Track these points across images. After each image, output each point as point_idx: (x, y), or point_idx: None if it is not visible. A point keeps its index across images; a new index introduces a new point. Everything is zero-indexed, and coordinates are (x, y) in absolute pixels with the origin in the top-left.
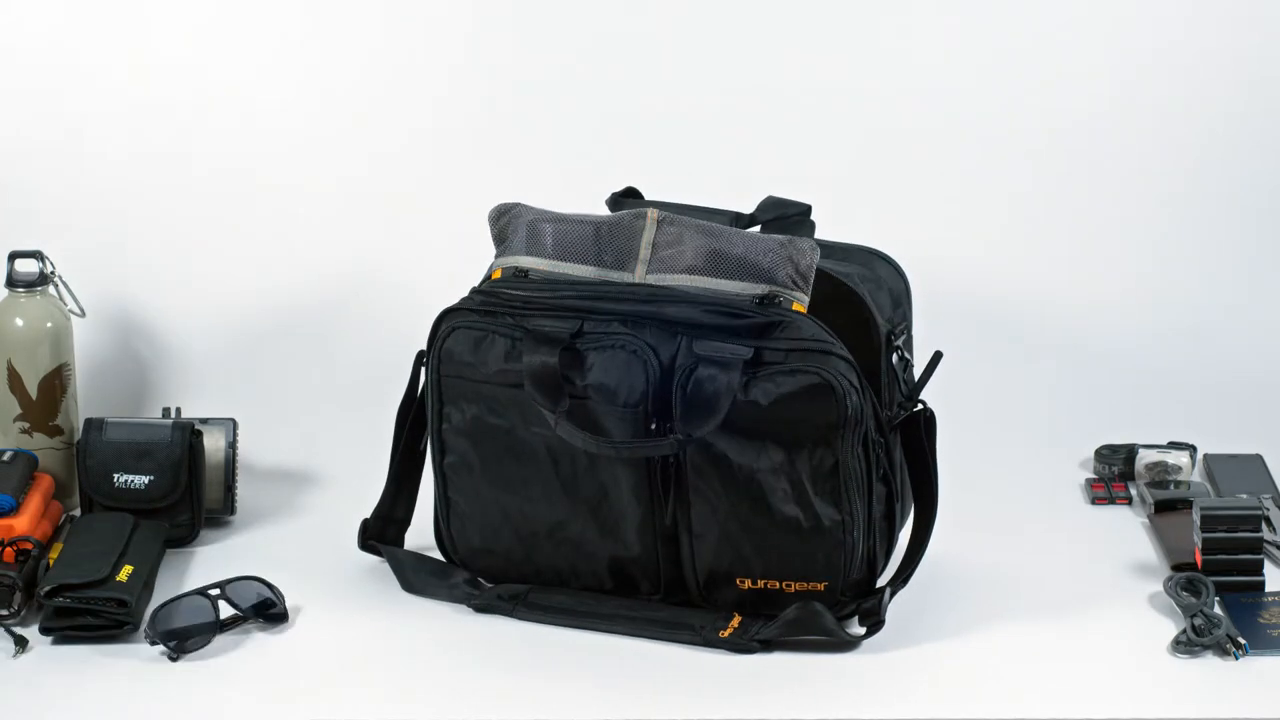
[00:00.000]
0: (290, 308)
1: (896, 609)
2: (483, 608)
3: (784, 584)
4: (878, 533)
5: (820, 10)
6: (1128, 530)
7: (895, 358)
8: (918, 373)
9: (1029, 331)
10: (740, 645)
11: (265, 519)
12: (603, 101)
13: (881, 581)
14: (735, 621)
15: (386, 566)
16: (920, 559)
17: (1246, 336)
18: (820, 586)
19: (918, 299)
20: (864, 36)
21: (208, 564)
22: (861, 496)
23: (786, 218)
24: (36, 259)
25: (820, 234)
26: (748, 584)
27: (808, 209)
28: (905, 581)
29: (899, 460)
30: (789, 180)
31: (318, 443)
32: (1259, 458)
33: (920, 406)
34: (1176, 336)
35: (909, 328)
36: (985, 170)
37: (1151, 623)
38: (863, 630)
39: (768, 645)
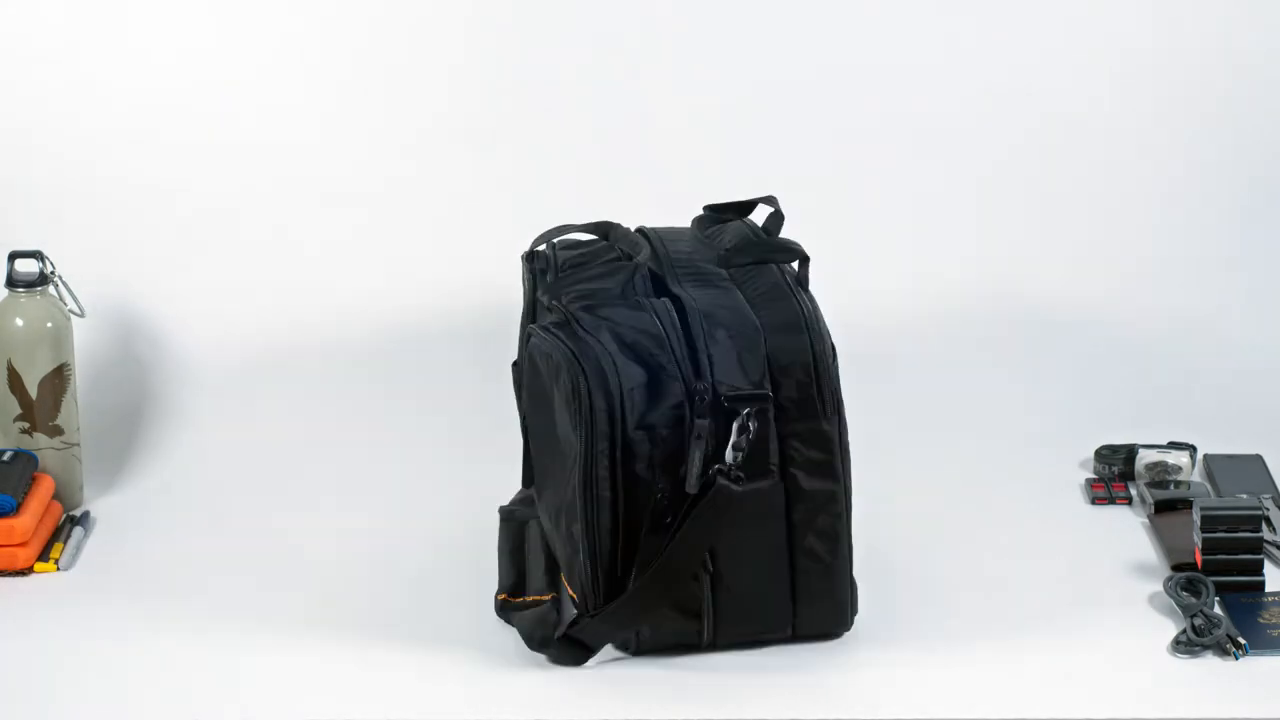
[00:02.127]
0: (291, 306)
1: (897, 609)
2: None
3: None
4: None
5: (824, 9)
6: (1128, 530)
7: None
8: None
9: (1029, 331)
10: None
11: (270, 518)
12: (605, 112)
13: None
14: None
15: (391, 571)
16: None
17: (1247, 336)
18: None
19: (920, 299)
20: (865, 34)
21: (216, 558)
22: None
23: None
24: (36, 259)
25: (824, 232)
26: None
27: (794, 254)
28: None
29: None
30: (790, 178)
31: (319, 441)
32: (1259, 458)
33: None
34: (1177, 336)
35: (813, 403)
36: (986, 169)
37: (1151, 623)
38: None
39: None
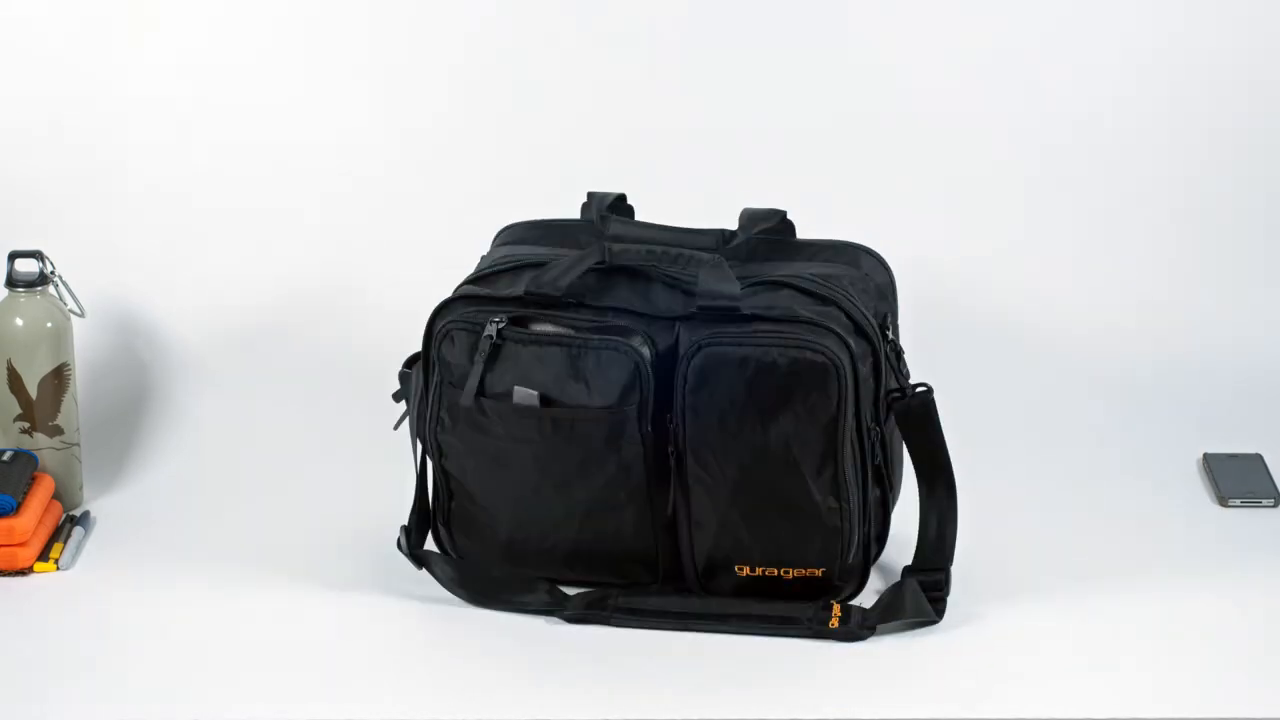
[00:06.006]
0: (291, 306)
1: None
2: (575, 618)
3: (782, 570)
4: (872, 518)
5: (816, 7)
6: (1127, 528)
7: (889, 348)
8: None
9: (1027, 331)
10: (850, 634)
11: (270, 518)
12: (586, 107)
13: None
14: (837, 611)
15: (395, 569)
16: (955, 536)
17: (1247, 336)
18: (818, 573)
19: (919, 299)
20: (866, 32)
21: (216, 557)
22: (858, 482)
23: (771, 230)
24: (36, 259)
25: (823, 233)
26: (746, 570)
27: (782, 214)
28: (951, 559)
29: (892, 446)
30: (795, 176)
31: (319, 440)
32: (1259, 457)
33: (921, 388)
34: (1177, 336)
35: (895, 319)
36: (985, 169)
37: (1151, 622)
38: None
39: (873, 630)
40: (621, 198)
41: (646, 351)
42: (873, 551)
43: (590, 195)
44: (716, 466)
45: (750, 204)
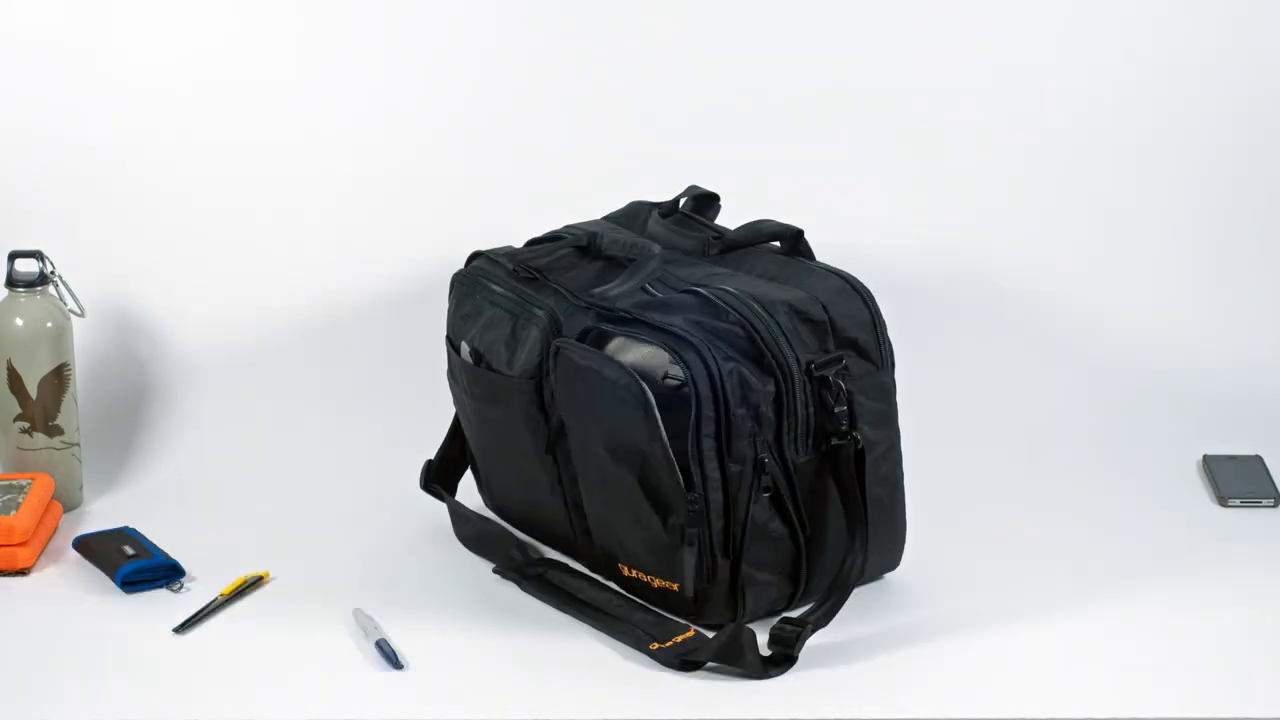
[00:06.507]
0: (290, 306)
1: (897, 611)
2: (500, 573)
3: (649, 577)
4: (739, 550)
5: (822, 8)
6: (1127, 516)
7: (818, 385)
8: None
9: (1028, 331)
10: (665, 658)
11: (271, 521)
12: (596, 110)
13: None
14: (680, 637)
15: (397, 566)
16: (845, 595)
17: (1247, 337)
18: (674, 587)
19: (922, 300)
20: (870, 33)
21: (216, 557)
22: (691, 506)
23: (780, 246)
24: (36, 259)
25: (824, 230)
26: (626, 570)
27: (795, 232)
28: (829, 616)
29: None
30: (799, 176)
31: (319, 440)
32: (1259, 458)
33: (851, 439)
34: (1177, 336)
35: (878, 356)
36: (987, 171)
37: (1151, 622)
38: (772, 659)
39: (690, 666)
40: (711, 196)
41: (536, 333)
42: (764, 588)
43: (689, 188)
44: (583, 460)
45: (776, 210)
